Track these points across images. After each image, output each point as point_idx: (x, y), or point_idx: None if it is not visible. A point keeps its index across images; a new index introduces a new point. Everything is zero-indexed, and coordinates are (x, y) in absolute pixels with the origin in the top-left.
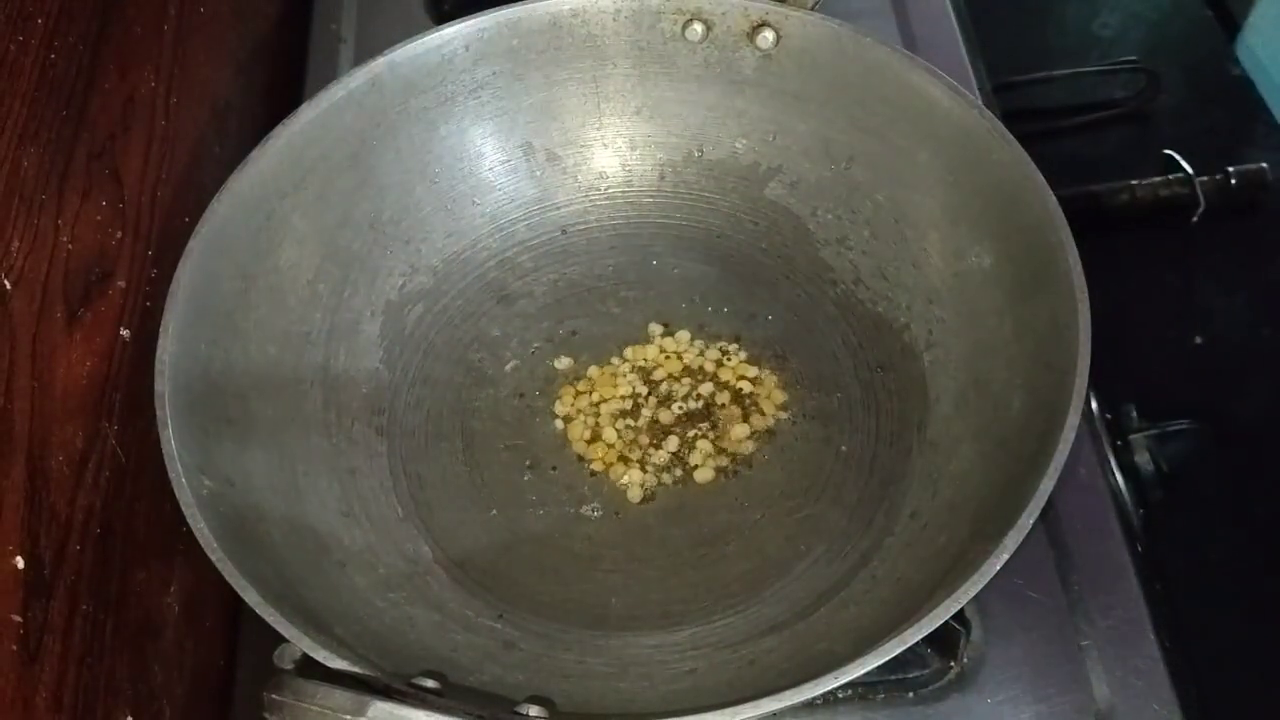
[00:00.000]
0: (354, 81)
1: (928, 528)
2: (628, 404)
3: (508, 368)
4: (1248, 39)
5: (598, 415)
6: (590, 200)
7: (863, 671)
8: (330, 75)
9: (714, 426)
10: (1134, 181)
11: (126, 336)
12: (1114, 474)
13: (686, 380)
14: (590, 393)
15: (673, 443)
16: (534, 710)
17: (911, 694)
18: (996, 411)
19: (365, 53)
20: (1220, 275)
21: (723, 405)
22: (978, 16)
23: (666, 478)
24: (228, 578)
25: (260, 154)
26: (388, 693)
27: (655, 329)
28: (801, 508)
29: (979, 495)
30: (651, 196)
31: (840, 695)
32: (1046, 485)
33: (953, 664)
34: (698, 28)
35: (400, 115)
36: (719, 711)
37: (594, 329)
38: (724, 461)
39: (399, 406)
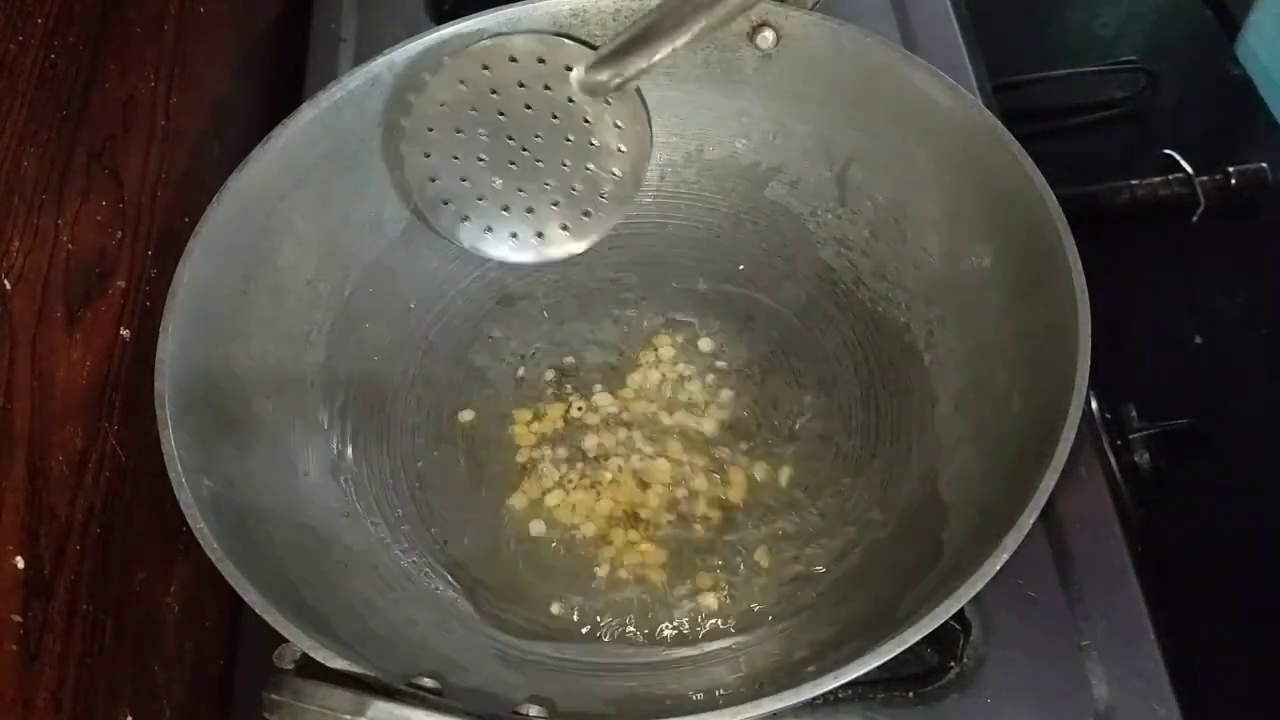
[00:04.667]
0: (354, 81)
1: (927, 528)
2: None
3: (507, 368)
4: (1248, 39)
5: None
6: None
7: (863, 671)
8: (330, 75)
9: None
10: (1134, 181)
11: (126, 336)
12: (1114, 474)
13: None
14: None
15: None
16: (534, 710)
17: (911, 694)
18: (996, 411)
19: (365, 53)
20: (1220, 275)
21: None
22: (978, 16)
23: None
24: (228, 578)
25: (260, 154)
26: (388, 693)
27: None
28: (801, 508)
29: (979, 495)
30: (651, 196)
31: (840, 695)
32: (1046, 485)
33: (953, 664)
34: None
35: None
36: (719, 711)
37: (594, 329)
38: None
39: (399, 406)
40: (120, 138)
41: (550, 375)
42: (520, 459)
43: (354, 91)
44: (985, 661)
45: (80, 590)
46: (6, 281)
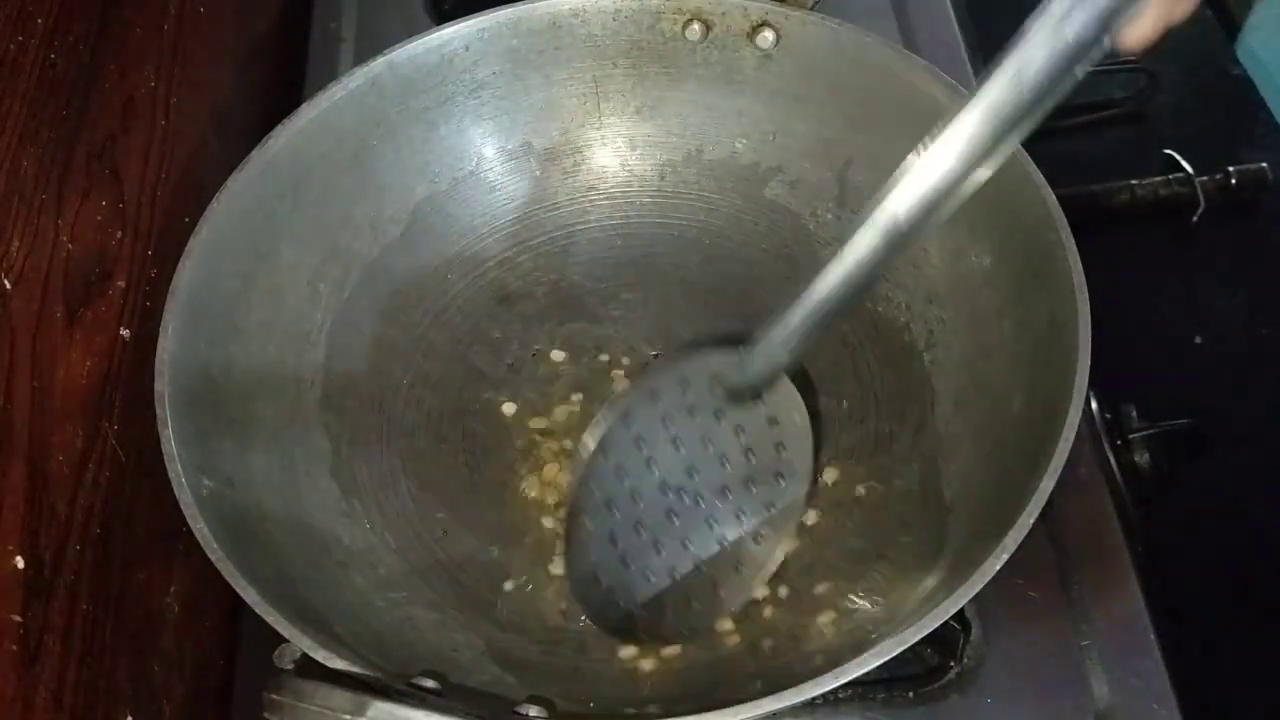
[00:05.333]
0: (354, 81)
1: (927, 528)
2: None
3: (508, 368)
4: (1248, 39)
5: None
6: (590, 200)
7: (863, 671)
8: (330, 75)
9: None
10: (1134, 181)
11: (126, 336)
12: (1114, 474)
13: None
14: None
15: None
16: (534, 710)
17: (911, 694)
18: (996, 411)
19: (365, 53)
20: (1220, 275)
21: None
22: (978, 16)
23: None
24: (228, 578)
25: (260, 154)
26: (388, 693)
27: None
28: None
29: (979, 495)
30: (651, 196)
31: (840, 695)
32: (1046, 485)
33: (953, 664)
34: (697, 28)
35: (400, 115)
36: (719, 711)
37: (594, 330)
38: None
39: (399, 406)
40: (120, 138)
41: (550, 375)
42: (520, 458)
43: (354, 91)
44: (985, 661)
45: (80, 590)
46: (6, 281)
